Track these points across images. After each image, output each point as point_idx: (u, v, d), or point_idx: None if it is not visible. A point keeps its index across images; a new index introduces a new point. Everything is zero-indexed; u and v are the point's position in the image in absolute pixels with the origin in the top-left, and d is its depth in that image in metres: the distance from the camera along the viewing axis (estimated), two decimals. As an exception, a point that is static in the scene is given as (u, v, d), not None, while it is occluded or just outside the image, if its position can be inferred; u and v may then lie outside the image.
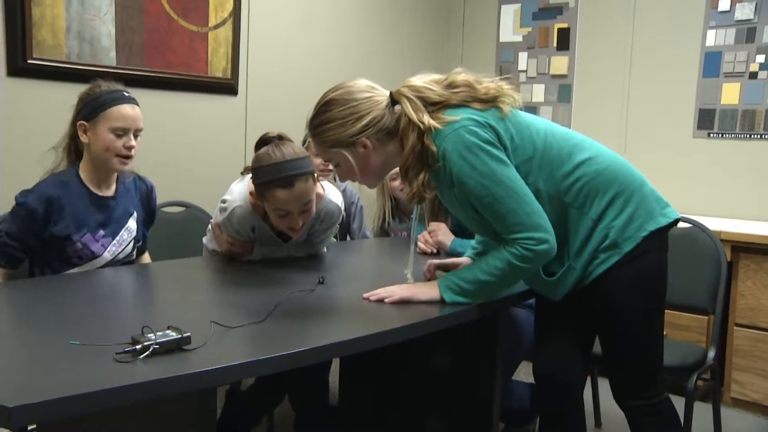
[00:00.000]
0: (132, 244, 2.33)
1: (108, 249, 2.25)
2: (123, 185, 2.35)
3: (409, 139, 1.76)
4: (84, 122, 2.21)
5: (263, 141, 2.25)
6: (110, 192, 2.30)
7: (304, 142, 3.23)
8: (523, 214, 1.71)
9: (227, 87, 3.80)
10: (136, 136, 2.23)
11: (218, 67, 3.73)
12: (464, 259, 2.13)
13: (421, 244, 2.64)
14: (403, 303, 1.81)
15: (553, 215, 1.78)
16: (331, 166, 3.14)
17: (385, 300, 1.82)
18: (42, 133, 2.62)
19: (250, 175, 2.28)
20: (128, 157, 2.22)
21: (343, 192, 3.35)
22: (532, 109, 4.49)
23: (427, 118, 1.74)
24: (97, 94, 2.22)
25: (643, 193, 1.84)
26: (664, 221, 1.83)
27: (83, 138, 2.22)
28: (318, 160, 2.76)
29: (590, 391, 3.06)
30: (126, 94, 2.24)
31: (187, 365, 1.30)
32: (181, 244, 2.91)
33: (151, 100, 3.29)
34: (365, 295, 1.85)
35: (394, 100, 1.81)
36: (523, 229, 1.71)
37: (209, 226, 2.57)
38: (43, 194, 2.15)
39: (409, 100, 1.77)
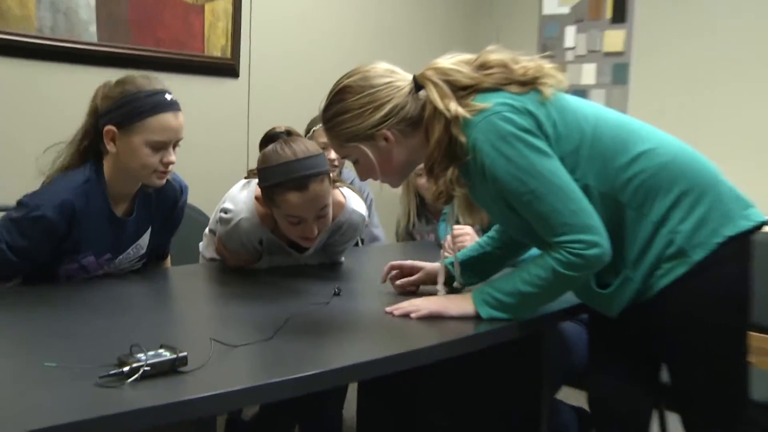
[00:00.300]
0: (136, 260, 2.31)
1: (106, 267, 2.23)
2: (144, 196, 2.26)
3: (435, 129, 1.75)
4: (113, 128, 2.08)
5: (270, 137, 2.24)
6: (127, 207, 2.23)
7: (307, 133, 3.24)
8: (569, 214, 1.69)
9: (227, 68, 3.81)
10: (175, 147, 2.14)
11: (216, 45, 3.74)
12: (434, 266, 2.10)
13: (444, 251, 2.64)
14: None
15: (606, 217, 1.75)
16: (337, 161, 3.18)
17: (412, 315, 1.81)
18: (6, 119, 2.65)
19: (257, 179, 2.28)
20: (166, 172, 2.15)
21: (350, 184, 3.35)
22: (580, 93, 4.44)
23: (454, 106, 1.74)
24: (133, 96, 2.08)
25: (718, 191, 1.78)
26: (745, 225, 1.77)
27: (109, 146, 2.10)
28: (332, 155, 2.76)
29: (658, 429, 3.02)
30: (169, 98, 2.11)
31: (182, 390, 1.30)
32: (175, 249, 2.92)
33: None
34: (388, 309, 1.85)
35: (418, 85, 1.81)
36: (569, 230, 1.69)
37: (206, 231, 2.58)
38: (65, 204, 2.04)
39: (435, 84, 1.77)
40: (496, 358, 2.09)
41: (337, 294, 2.03)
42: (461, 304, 1.83)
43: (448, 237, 2.60)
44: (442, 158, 1.77)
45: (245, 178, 2.42)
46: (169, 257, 2.52)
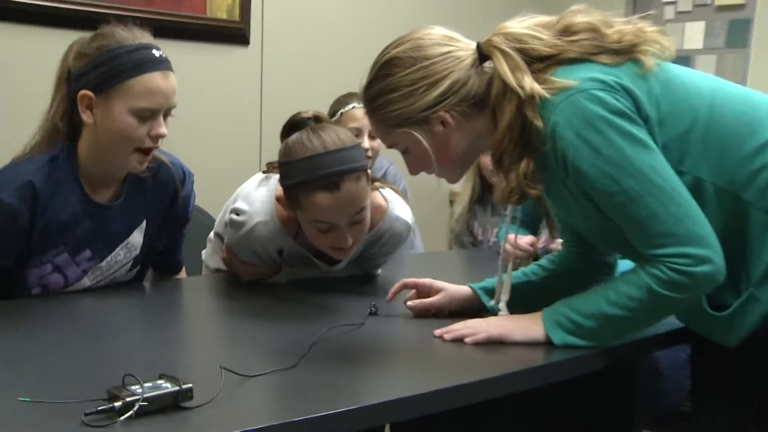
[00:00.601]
0: (129, 265, 2.30)
1: (90, 274, 2.23)
2: (136, 181, 2.26)
3: (506, 111, 1.74)
4: (89, 93, 2.08)
5: (294, 125, 2.23)
6: (111, 196, 2.23)
7: (332, 116, 3.25)
8: (673, 221, 1.66)
9: (234, 34, 3.83)
10: (166, 116, 2.14)
11: (221, 6, 3.76)
12: (460, 289, 2.07)
13: (508, 246, 2.67)
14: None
15: (723, 220, 1.72)
16: (370, 151, 3.18)
17: (466, 340, 1.81)
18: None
19: (278, 174, 2.28)
20: (152, 150, 2.14)
21: (384, 175, 3.35)
22: (683, 60, 4.33)
23: (529, 82, 1.72)
24: (113, 52, 2.07)
25: None
26: None
27: (86, 116, 2.09)
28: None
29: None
30: (158, 54, 2.10)
31: (186, 430, 1.30)
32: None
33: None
34: (438, 332, 1.84)
35: (483, 55, 1.80)
36: (672, 242, 1.66)
37: (211, 235, 2.59)
38: (25, 186, 2.04)
39: (505, 54, 1.75)
40: (571, 394, 2.08)
41: (373, 313, 2.03)
42: (528, 327, 1.82)
43: (508, 241, 2.60)
44: (514, 147, 1.75)
45: (263, 172, 2.42)
46: (183, 270, 2.53)
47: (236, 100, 3.90)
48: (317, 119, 2.23)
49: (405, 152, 1.86)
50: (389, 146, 1.88)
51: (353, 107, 3.23)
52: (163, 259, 2.41)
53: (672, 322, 1.90)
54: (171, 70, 2.11)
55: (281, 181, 2.21)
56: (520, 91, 1.71)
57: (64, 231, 2.14)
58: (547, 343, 1.79)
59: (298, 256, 2.39)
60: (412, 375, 1.66)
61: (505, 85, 1.73)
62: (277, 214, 2.29)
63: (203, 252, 2.66)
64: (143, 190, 2.27)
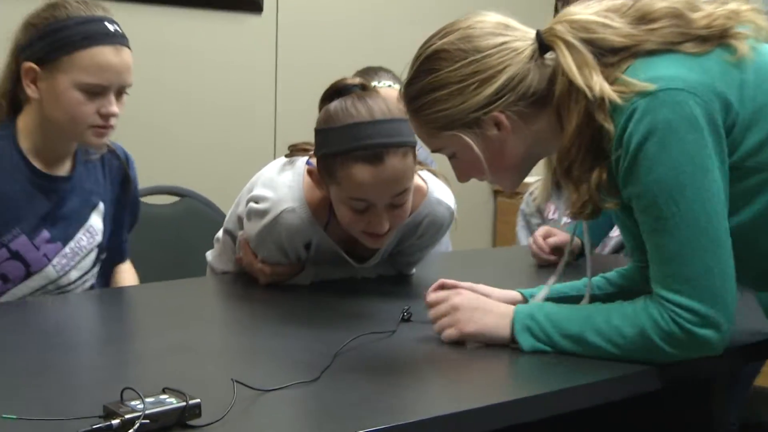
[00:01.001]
0: (94, 254, 2.37)
1: (54, 261, 2.29)
2: (85, 162, 2.37)
3: (572, 114, 1.72)
4: (33, 65, 2.18)
5: (337, 91, 2.24)
6: (64, 170, 2.33)
7: None
8: (700, 269, 1.66)
9: (247, 1, 3.84)
10: (119, 96, 2.22)
11: (231, -32, 3.77)
12: (507, 294, 2.07)
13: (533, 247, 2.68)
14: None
15: None
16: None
17: (442, 335, 1.86)
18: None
19: (305, 158, 2.28)
20: (106, 127, 2.22)
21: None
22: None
23: (599, 82, 1.69)
24: (62, 23, 2.16)
25: None
26: None
27: (30, 90, 2.20)
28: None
29: None
30: (111, 28, 2.19)
31: (194, 452, 1.31)
32: (175, 254, 2.96)
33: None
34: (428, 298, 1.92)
35: (544, 46, 1.78)
36: (688, 291, 1.66)
37: (218, 234, 2.59)
38: None
39: (570, 47, 1.74)
40: (636, 410, 2.08)
41: (406, 319, 2.03)
42: (497, 326, 1.84)
43: (539, 232, 2.59)
44: (585, 155, 1.73)
45: (286, 155, 2.42)
46: (129, 265, 2.58)
47: (248, 74, 3.91)
48: (363, 87, 2.24)
49: (452, 157, 1.86)
50: (434, 151, 1.89)
51: (374, 86, 3.23)
52: (111, 245, 2.47)
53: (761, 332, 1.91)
54: (127, 46, 2.21)
55: (317, 150, 2.22)
56: (588, 92, 1.69)
57: (16, 209, 2.22)
58: (512, 344, 1.81)
59: (327, 252, 2.39)
60: (451, 390, 1.66)
61: (571, 84, 1.71)
62: (306, 200, 2.29)
63: (208, 254, 2.66)
64: (94, 172, 2.37)
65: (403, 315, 2.04)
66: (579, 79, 1.70)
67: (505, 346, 1.82)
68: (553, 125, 1.78)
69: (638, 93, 1.67)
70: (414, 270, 2.57)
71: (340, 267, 2.44)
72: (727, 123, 1.69)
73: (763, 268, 1.79)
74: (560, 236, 2.78)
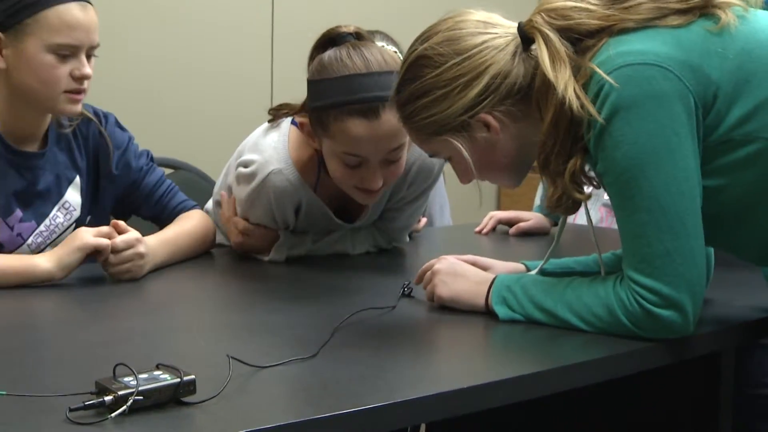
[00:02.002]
0: (72, 230, 2.33)
1: (29, 240, 2.28)
2: (58, 136, 2.33)
3: (549, 107, 1.73)
4: None
5: (330, 40, 2.23)
6: (36, 146, 2.30)
7: None
8: (660, 252, 1.67)
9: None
10: (89, 57, 2.20)
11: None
12: (510, 265, 2.11)
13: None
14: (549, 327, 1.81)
15: None
16: None
17: (427, 296, 1.95)
18: None
19: (289, 119, 2.26)
20: (81, 91, 2.19)
21: None
22: None
23: (565, 78, 1.70)
24: None
25: None
26: None
27: None
28: None
29: None
30: None
31: (188, 429, 1.30)
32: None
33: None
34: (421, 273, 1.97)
35: (527, 38, 1.79)
36: (649, 272, 1.67)
37: (208, 205, 2.60)
38: None
39: (546, 39, 1.74)
40: (642, 387, 2.06)
41: (406, 294, 2.03)
42: (476, 294, 1.88)
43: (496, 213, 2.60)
44: (561, 146, 1.74)
45: (269, 121, 2.42)
46: (196, 211, 2.51)
47: (244, 43, 3.89)
48: (359, 36, 2.23)
49: (449, 160, 1.87)
50: (432, 155, 1.91)
51: None
52: (162, 211, 2.46)
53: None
54: (91, 3, 2.17)
55: (309, 102, 2.21)
56: (556, 87, 1.70)
57: None
58: (487, 313, 1.85)
59: (317, 214, 2.38)
60: (453, 366, 1.66)
61: (546, 79, 1.72)
62: (293, 160, 2.28)
63: (208, 205, 2.64)
64: (68, 145, 2.34)
65: (404, 290, 2.04)
66: (551, 74, 1.71)
67: (503, 321, 1.82)
68: (539, 120, 1.78)
69: (608, 71, 1.67)
70: (408, 239, 2.56)
71: (327, 240, 2.43)
72: (706, 97, 1.68)
73: (764, 242, 1.78)
74: (532, 221, 2.85)
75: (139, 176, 2.46)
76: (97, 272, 2.21)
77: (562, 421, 2.31)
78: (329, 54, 2.17)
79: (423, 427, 2.75)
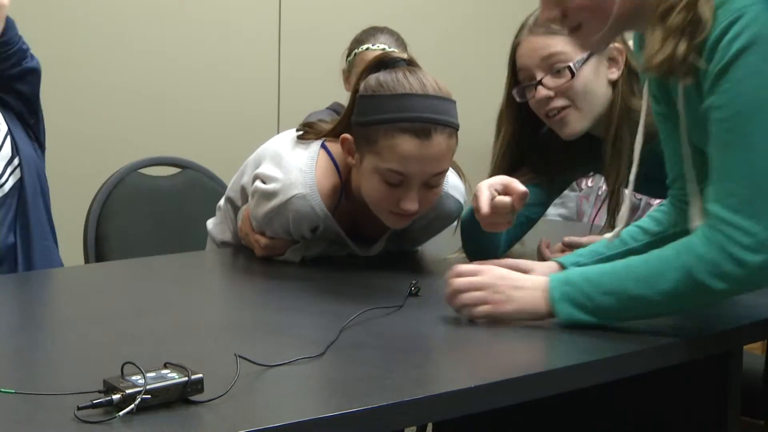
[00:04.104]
0: (9, 173, 2.37)
1: None
2: None
3: None
4: None
5: (382, 62, 2.25)
6: None
7: (348, 55, 3.24)
8: (763, 193, 1.63)
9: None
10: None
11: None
12: (547, 267, 2.06)
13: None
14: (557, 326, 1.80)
15: None
16: None
17: (468, 313, 1.83)
18: None
19: (319, 141, 2.28)
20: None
21: None
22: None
23: None
24: None
25: None
26: None
27: None
28: None
29: None
30: None
31: (196, 428, 1.31)
32: (176, 227, 2.96)
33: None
34: (451, 282, 1.84)
35: None
36: (744, 210, 1.63)
37: (220, 203, 2.59)
38: None
39: None
40: (648, 386, 2.08)
41: (414, 293, 2.03)
42: (528, 299, 1.80)
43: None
44: (687, 10, 1.67)
45: (300, 135, 2.39)
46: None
47: (251, 41, 3.90)
48: (410, 63, 2.25)
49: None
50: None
51: (367, 48, 3.21)
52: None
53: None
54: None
55: (358, 116, 2.22)
56: None
57: None
58: (549, 317, 1.80)
59: (332, 237, 2.38)
60: (460, 366, 1.67)
61: None
62: (317, 186, 2.27)
63: (209, 222, 2.66)
64: None
65: (411, 289, 2.04)
66: None
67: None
68: None
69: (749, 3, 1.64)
70: (419, 247, 2.57)
71: (336, 247, 2.44)
72: None
73: None
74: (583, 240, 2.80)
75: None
76: (104, 271, 2.22)
77: (569, 420, 2.31)
78: (385, 74, 2.19)
79: (429, 426, 2.76)
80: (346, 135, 2.24)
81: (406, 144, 2.12)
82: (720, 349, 1.95)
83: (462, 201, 2.43)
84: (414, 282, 2.07)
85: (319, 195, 2.27)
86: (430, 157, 2.14)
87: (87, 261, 2.70)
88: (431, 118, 2.13)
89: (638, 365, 1.75)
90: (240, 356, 1.51)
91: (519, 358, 1.71)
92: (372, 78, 2.21)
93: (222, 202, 2.60)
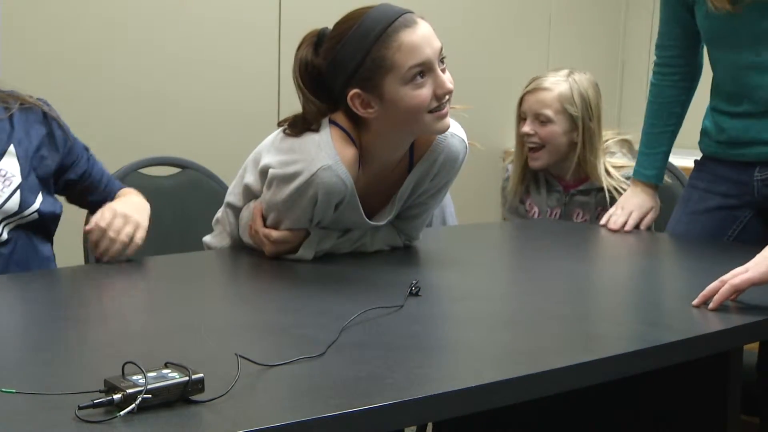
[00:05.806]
0: (18, 197, 2.34)
1: None
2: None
3: None
4: None
5: (318, 36, 2.38)
6: None
7: None
8: None
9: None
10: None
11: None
12: None
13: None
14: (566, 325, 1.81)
15: None
16: None
17: (732, 281, 1.90)
18: None
19: (326, 121, 2.31)
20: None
21: None
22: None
23: None
24: None
25: None
26: None
27: None
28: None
29: None
30: None
31: (196, 427, 1.31)
32: (177, 227, 2.96)
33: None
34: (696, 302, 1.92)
35: None
36: None
37: (218, 215, 2.57)
38: None
39: None
40: (648, 384, 2.08)
41: (414, 293, 2.03)
42: None
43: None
44: None
45: (287, 132, 2.37)
46: (131, 188, 2.56)
47: (251, 39, 3.90)
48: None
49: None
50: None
51: None
52: (108, 195, 2.49)
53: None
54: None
55: (347, 66, 2.27)
56: None
57: None
58: None
59: (348, 211, 2.37)
60: (460, 365, 1.67)
61: None
62: (339, 155, 2.29)
63: (206, 237, 2.64)
64: (7, 123, 2.36)
65: (411, 289, 2.04)
66: None
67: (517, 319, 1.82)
68: None
69: None
70: (420, 236, 2.57)
71: (346, 239, 2.43)
72: None
73: None
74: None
75: (87, 165, 2.50)
76: (105, 271, 2.23)
77: (569, 420, 2.31)
78: (343, 18, 2.32)
79: (430, 425, 2.76)
80: (353, 90, 2.27)
81: (407, 37, 2.24)
82: (720, 349, 1.95)
83: (466, 139, 2.47)
84: (414, 282, 2.07)
85: (343, 164, 2.29)
86: (428, 35, 2.27)
87: (87, 261, 2.70)
88: (400, 10, 2.27)
89: (638, 365, 1.75)
90: (240, 356, 1.52)
91: (519, 357, 1.71)
92: (328, 42, 2.32)
93: (219, 213, 2.57)
